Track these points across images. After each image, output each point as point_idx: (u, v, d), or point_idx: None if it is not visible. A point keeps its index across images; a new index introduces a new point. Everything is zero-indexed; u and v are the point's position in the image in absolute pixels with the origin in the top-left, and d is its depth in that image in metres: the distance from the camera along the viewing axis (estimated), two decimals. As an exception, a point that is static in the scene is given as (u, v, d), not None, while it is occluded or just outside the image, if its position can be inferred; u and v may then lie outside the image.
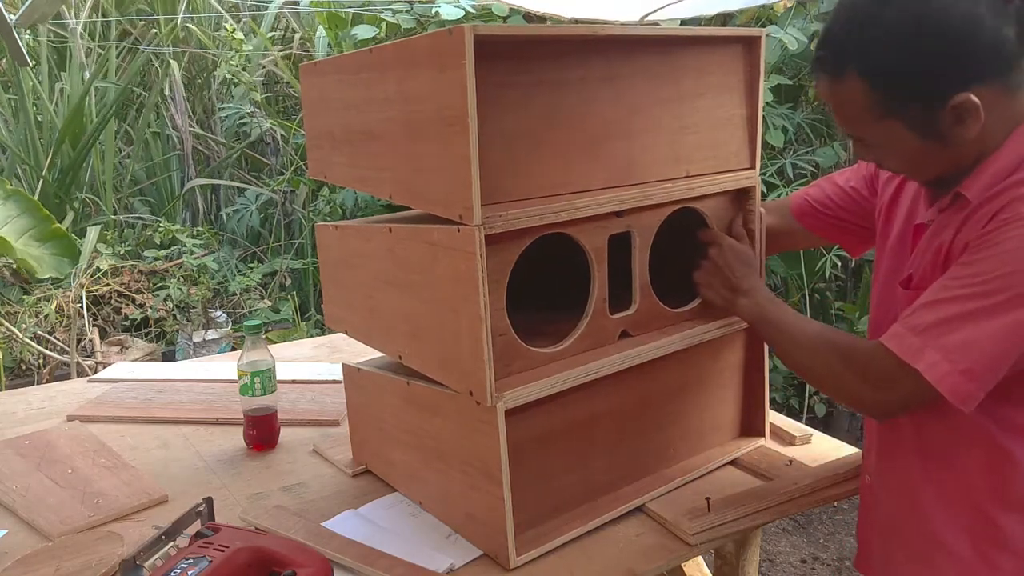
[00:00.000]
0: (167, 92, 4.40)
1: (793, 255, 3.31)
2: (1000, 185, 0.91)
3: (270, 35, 4.23)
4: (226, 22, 4.20)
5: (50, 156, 3.96)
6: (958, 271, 0.91)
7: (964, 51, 0.88)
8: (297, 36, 4.30)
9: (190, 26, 4.38)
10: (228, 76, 4.02)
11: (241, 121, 4.15)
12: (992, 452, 0.96)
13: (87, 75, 4.26)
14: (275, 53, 4.19)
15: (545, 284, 1.25)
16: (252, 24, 4.54)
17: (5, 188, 2.54)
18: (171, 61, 4.39)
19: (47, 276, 2.56)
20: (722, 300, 1.21)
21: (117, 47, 4.38)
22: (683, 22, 3.14)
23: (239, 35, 3.90)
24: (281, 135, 4.20)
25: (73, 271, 3.35)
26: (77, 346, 3.23)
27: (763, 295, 1.17)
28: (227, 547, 0.95)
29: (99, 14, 4.41)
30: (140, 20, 4.50)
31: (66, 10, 4.20)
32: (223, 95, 4.61)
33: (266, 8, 4.50)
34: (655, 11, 2.76)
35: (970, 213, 0.93)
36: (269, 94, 4.26)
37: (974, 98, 0.88)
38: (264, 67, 4.19)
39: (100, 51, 4.51)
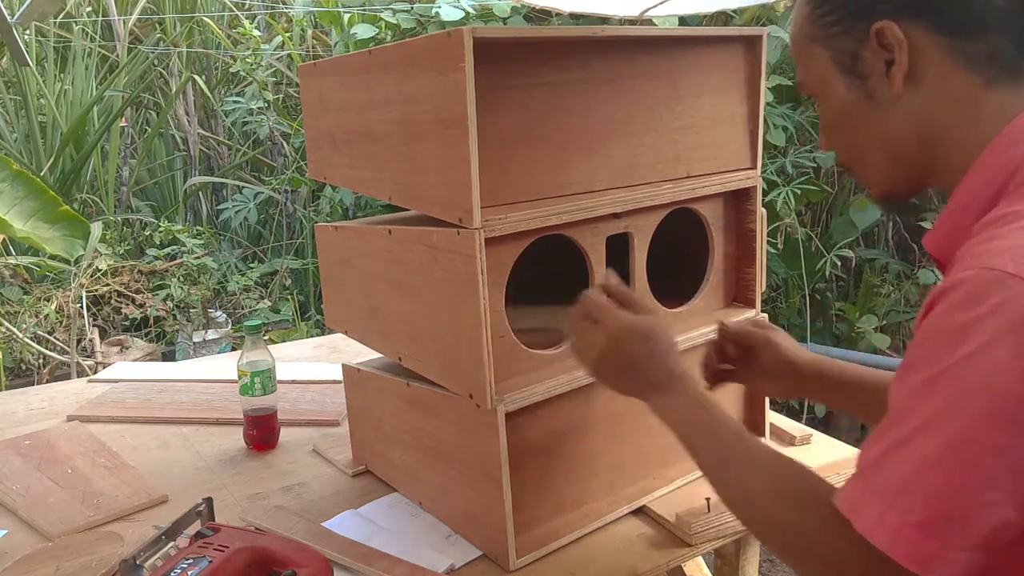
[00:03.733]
0: (180, 95, 4.40)
1: (793, 255, 3.31)
2: (959, 232, 0.70)
3: (286, 35, 4.24)
4: (246, 20, 4.21)
5: (52, 158, 3.96)
6: (899, 375, 0.67)
7: None
8: (309, 34, 4.30)
9: (207, 20, 4.38)
10: (243, 74, 4.02)
11: (246, 120, 4.16)
12: None
13: (93, 79, 4.27)
14: (294, 51, 4.19)
15: (539, 280, 1.25)
16: (271, 21, 4.55)
17: (10, 168, 2.49)
18: (187, 71, 4.40)
19: (58, 253, 2.52)
20: (626, 389, 0.92)
21: (127, 49, 4.38)
22: (682, 18, 3.14)
23: (257, 33, 3.91)
24: (282, 133, 4.20)
25: (74, 270, 3.35)
26: (77, 346, 3.23)
27: (693, 384, 0.88)
28: (227, 547, 0.95)
29: (100, 14, 4.41)
30: (154, 20, 4.50)
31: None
32: (226, 95, 4.61)
33: (277, 7, 4.52)
34: (655, 6, 2.76)
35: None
36: (279, 95, 4.27)
37: (898, 29, 0.72)
38: (273, 67, 4.20)
39: (101, 51, 4.51)
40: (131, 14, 4.32)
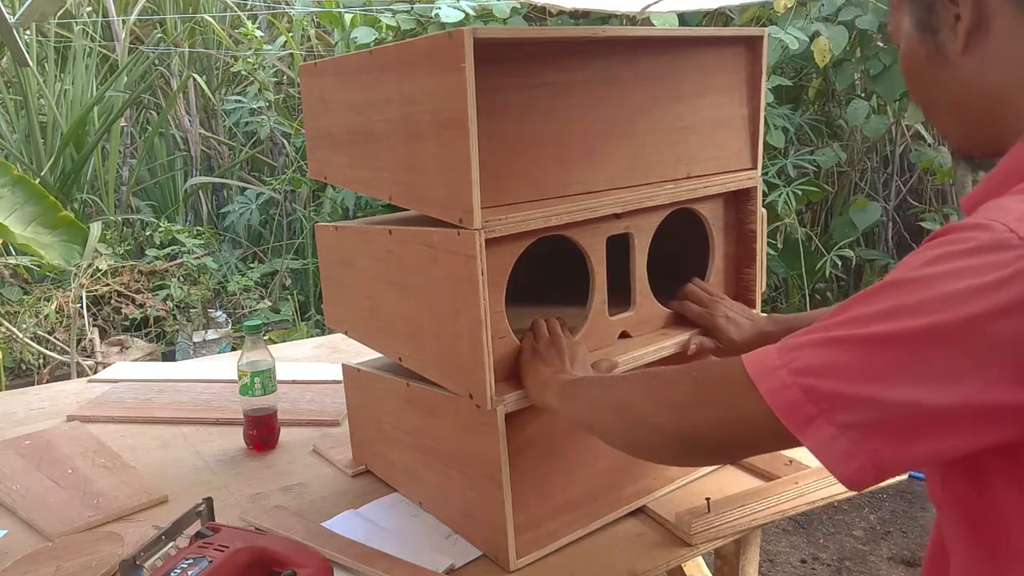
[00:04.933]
0: (181, 95, 4.40)
1: (793, 255, 3.31)
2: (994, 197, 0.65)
3: (288, 35, 4.24)
4: (247, 20, 4.22)
5: (52, 158, 3.96)
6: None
7: None
8: (312, 33, 4.31)
9: (208, 19, 4.38)
10: (245, 73, 4.03)
11: (247, 120, 4.16)
12: None
13: (93, 79, 4.27)
14: (295, 51, 4.19)
15: (538, 279, 1.25)
16: (273, 21, 4.55)
17: (11, 174, 2.50)
18: (188, 71, 4.40)
19: (56, 262, 2.53)
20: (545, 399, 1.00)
21: (127, 49, 4.38)
22: (682, 16, 3.14)
23: (259, 33, 3.91)
24: (283, 133, 4.21)
25: (74, 270, 3.35)
26: (77, 346, 3.23)
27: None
28: (227, 547, 0.95)
29: (100, 14, 4.41)
30: (154, 19, 4.51)
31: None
32: (227, 94, 4.61)
33: (277, 7, 4.52)
34: (656, 2, 2.76)
35: None
36: (280, 95, 4.27)
37: None
38: (275, 67, 4.20)
39: (101, 51, 4.51)
40: (131, 14, 4.32)
